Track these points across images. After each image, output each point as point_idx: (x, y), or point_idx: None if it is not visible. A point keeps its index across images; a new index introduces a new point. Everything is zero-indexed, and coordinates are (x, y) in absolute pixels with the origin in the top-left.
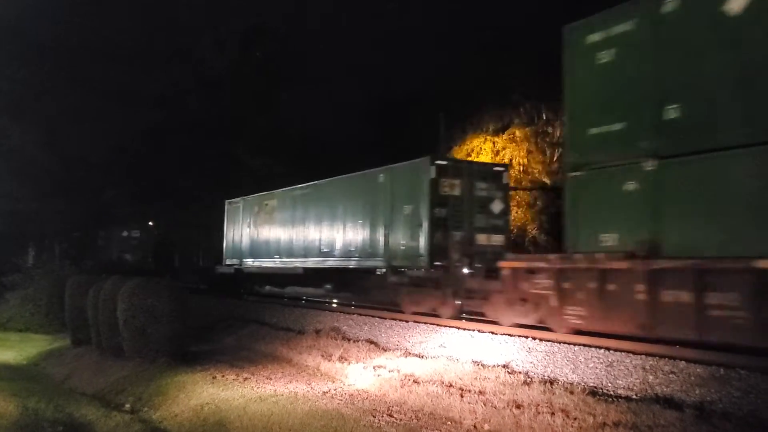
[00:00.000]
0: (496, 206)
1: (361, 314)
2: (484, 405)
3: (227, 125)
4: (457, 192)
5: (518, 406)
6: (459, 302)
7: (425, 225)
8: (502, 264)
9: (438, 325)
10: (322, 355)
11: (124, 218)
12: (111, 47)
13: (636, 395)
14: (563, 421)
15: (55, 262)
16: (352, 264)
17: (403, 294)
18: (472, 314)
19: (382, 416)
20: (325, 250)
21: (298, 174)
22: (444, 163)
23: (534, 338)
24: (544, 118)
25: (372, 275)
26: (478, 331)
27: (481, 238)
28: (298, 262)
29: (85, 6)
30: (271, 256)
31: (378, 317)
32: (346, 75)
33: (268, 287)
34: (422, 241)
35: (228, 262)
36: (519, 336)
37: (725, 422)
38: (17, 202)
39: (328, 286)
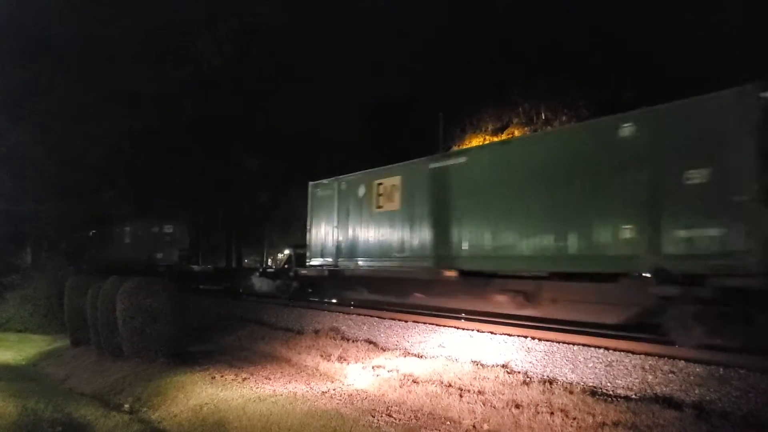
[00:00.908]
0: None
1: (360, 314)
2: (483, 405)
3: (225, 125)
4: None
5: (517, 406)
6: None
7: (748, 200)
8: None
9: (437, 324)
10: (321, 355)
11: (157, 213)
12: (109, 47)
13: (635, 395)
14: (562, 420)
15: (54, 262)
16: (560, 266)
17: (684, 317)
18: None
19: (381, 416)
20: (501, 245)
21: (296, 173)
22: None
23: (533, 338)
24: (543, 117)
25: (606, 284)
26: (477, 330)
27: None
28: (449, 262)
29: (84, 6)
30: (388, 255)
31: (377, 317)
32: (345, 74)
33: (376, 296)
34: (741, 229)
35: (315, 261)
36: (518, 336)
37: (725, 422)
38: (17, 203)
39: (501, 299)
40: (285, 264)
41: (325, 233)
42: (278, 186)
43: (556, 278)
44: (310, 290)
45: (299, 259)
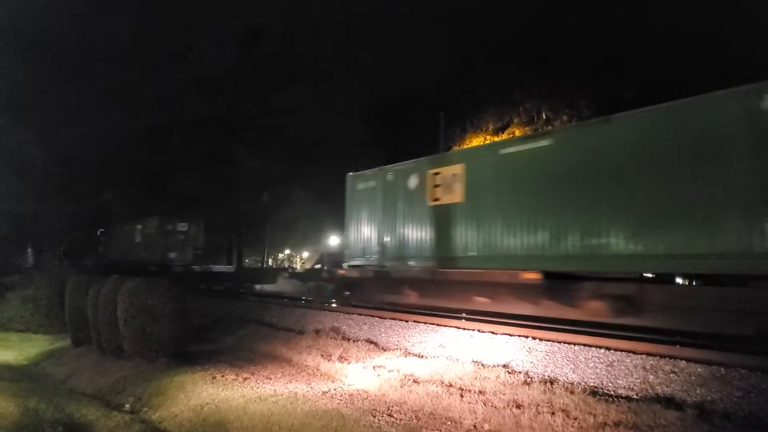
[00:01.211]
0: None
1: (360, 314)
2: (484, 405)
3: (225, 125)
4: None
5: (518, 406)
6: None
7: None
8: None
9: (438, 324)
10: (322, 355)
11: (166, 210)
12: (110, 47)
13: (637, 395)
14: (563, 420)
15: (55, 262)
16: (678, 266)
17: None
18: None
19: (382, 416)
20: (599, 242)
21: (297, 173)
22: None
23: (534, 338)
24: (544, 117)
25: (732, 288)
26: (478, 330)
27: None
28: (527, 262)
29: (85, 6)
30: (447, 255)
31: (377, 317)
32: (346, 74)
33: (427, 301)
34: None
35: (356, 262)
36: (519, 336)
37: (726, 422)
38: (18, 203)
39: (595, 305)
40: (317, 264)
41: (367, 230)
42: (279, 186)
43: (665, 281)
44: (347, 293)
45: (332, 259)
